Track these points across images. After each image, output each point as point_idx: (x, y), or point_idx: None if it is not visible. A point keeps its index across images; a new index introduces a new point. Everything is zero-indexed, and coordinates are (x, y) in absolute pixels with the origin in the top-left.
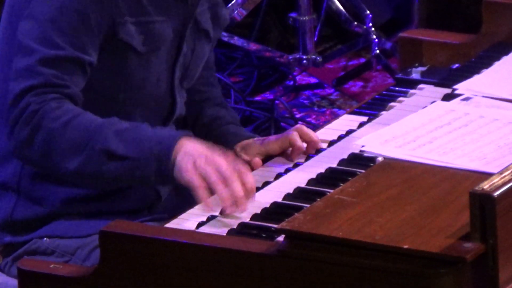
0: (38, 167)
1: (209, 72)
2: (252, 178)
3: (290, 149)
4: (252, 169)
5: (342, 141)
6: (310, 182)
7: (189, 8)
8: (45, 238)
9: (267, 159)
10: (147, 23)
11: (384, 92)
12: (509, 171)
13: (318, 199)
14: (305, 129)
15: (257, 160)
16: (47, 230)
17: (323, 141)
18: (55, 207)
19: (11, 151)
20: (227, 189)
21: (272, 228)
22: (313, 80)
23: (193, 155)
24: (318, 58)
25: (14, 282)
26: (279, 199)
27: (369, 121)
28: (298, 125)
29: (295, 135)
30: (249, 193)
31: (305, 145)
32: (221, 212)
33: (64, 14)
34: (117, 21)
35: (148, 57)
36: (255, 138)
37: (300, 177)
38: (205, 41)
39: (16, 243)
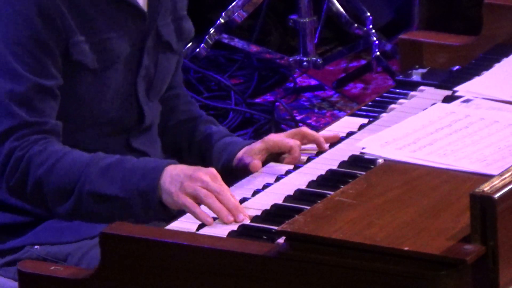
0: (36, 208)
1: (181, 90)
2: (231, 196)
3: (287, 154)
4: (251, 171)
5: (343, 143)
6: (311, 184)
7: (148, 23)
8: (36, 246)
9: (267, 160)
10: (100, 40)
11: (384, 94)
12: (509, 173)
13: (319, 201)
14: (307, 131)
15: (257, 162)
16: (37, 237)
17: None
18: (35, 215)
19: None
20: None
21: (273, 230)
22: (313, 82)
23: (179, 179)
24: (318, 60)
25: (12, 283)
26: (280, 201)
27: (369, 123)
28: (301, 128)
29: (296, 144)
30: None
31: (310, 145)
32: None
33: (21, 45)
34: (70, 41)
35: (103, 73)
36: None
37: (300, 179)
38: (169, 54)
39: (5, 249)
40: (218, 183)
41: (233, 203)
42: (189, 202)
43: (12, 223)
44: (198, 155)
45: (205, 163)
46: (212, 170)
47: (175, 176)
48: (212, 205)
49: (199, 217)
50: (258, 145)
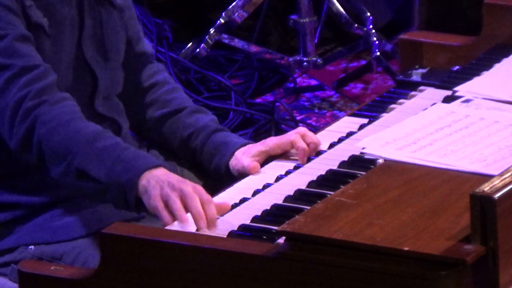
0: (36, 168)
1: (160, 76)
2: (213, 209)
3: (292, 150)
4: (249, 173)
5: (343, 143)
6: (311, 184)
7: None
8: (30, 246)
9: (267, 161)
10: (47, 5)
11: (384, 94)
12: (509, 173)
13: (319, 201)
14: (307, 131)
15: (255, 164)
16: (31, 237)
17: (324, 143)
18: (25, 206)
19: (13, 150)
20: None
21: (273, 230)
22: (313, 82)
23: (163, 184)
24: (318, 60)
25: (9, 284)
26: (280, 201)
27: (369, 123)
28: (299, 127)
29: (297, 137)
30: (209, 222)
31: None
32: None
33: None
34: (25, 4)
35: (56, 39)
36: (256, 143)
37: (300, 179)
38: (112, 10)
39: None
40: (197, 192)
41: (201, 214)
42: (160, 206)
43: (2, 220)
44: (188, 153)
45: (196, 162)
46: (197, 185)
47: (160, 181)
48: (177, 216)
49: (163, 220)
50: (257, 147)
